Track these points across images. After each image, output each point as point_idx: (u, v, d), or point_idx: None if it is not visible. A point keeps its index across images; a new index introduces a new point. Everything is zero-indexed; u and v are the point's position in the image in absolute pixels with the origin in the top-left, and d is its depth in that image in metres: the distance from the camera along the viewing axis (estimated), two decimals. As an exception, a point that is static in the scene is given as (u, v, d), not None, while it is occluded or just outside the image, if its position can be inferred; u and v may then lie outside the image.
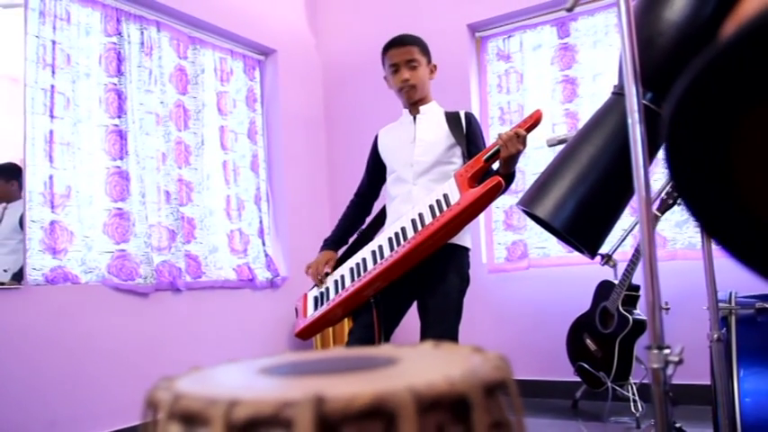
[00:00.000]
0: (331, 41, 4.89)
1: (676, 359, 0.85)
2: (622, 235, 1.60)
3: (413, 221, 2.07)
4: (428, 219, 2.03)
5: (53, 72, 3.15)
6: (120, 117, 3.42)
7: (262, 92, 4.51)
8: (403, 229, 2.08)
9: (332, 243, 2.45)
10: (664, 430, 0.84)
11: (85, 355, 3.03)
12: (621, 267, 3.13)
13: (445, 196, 2.04)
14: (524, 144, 2.00)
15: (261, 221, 4.27)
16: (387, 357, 0.62)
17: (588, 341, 3.36)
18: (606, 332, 3.22)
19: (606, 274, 3.31)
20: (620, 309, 3.17)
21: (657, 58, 1.39)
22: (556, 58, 4.00)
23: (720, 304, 1.56)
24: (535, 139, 3.91)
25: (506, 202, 4.02)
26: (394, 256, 2.01)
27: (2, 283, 2.76)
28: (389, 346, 0.70)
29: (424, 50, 2.34)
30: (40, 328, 2.87)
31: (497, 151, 2.01)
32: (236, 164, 4.19)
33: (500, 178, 1.96)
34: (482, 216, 4.13)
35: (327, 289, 2.21)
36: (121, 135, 3.42)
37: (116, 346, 3.16)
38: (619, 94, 1.41)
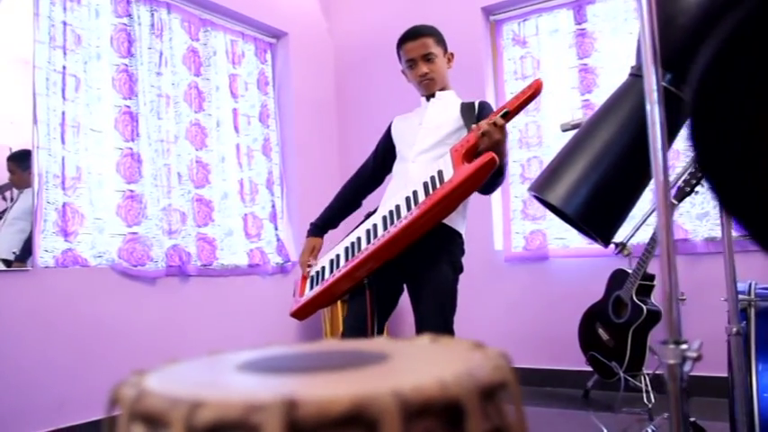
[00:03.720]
0: (343, 25, 4.82)
1: (694, 355, 0.80)
2: (637, 223, 1.54)
3: (407, 199, 2.01)
4: (422, 196, 1.97)
5: (64, 53, 3.12)
6: (131, 98, 3.39)
7: (273, 75, 4.46)
8: (397, 207, 2.03)
9: (317, 228, 2.41)
10: (679, 428, 0.79)
11: (94, 339, 3.02)
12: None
13: (439, 173, 1.98)
14: (503, 133, 1.93)
15: (273, 205, 4.24)
16: (377, 353, 0.57)
17: (601, 331, 3.30)
18: (619, 322, 3.17)
19: (620, 263, 3.24)
20: (634, 298, 3.11)
21: (677, 38, 1.32)
22: (573, 44, 3.90)
23: (740, 296, 1.50)
24: (552, 123, 3.85)
25: (525, 192, 3.97)
26: (386, 235, 1.95)
27: (8, 262, 2.75)
28: (384, 340, 0.65)
29: (440, 40, 2.28)
30: (48, 310, 2.87)
31: (505, 115, 1.93)
32: (250, 147, 4.15)
33: (494, 154, 1.88)
34: (497, 203, 4.07)
35: (323, 269, 2.17)
36: (133, 116, 3.39)
37: (124, 330, 3.16)
38: (636, 75, 1.35)
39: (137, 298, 3.25)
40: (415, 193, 2.01)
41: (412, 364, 0.54)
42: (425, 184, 1.99)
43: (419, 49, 2.23)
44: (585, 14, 3.85)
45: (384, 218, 2.06)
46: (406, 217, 1.94)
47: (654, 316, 3.10)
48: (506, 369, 0.46)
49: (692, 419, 1.82)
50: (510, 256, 4.01)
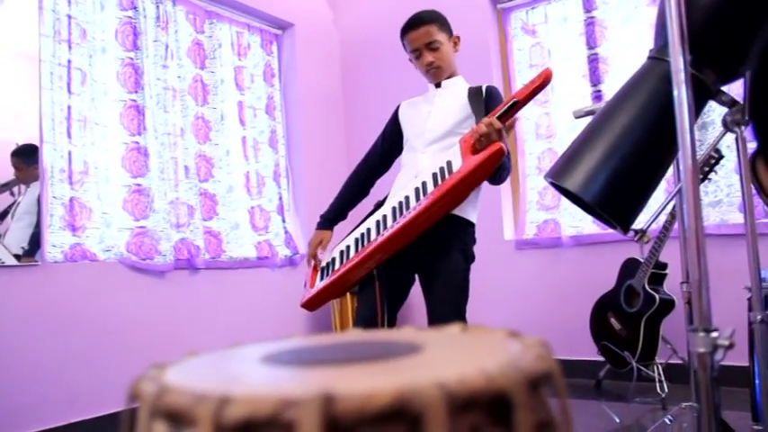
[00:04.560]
0: (349, 15, 4.78)
1: (726, 343, 0.77)
2: (657, 209, 1.52)
3: (416, 190, 2.01)
4: (431, 187, 1.96)
5: (69, 47, 3.10)
6: (137, 92, 3.37)
7: (279, 67, 4.43)
8: (406, 198, 2.02)
9: (326, 221, 2.37)
10: (711, 419, 0.77)
11: (104, 334, 3.02)
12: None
13: (449, 163, 1.97)
14: (499, 134, 1.90)
15: (281, 198, 4.22)
16: (409, 344, 0.54)
17: (612, 320, 3.28)
18: (631, 311, 3.14)
19: (631, 251, 3.21)
20: (647, 287, 3.08)
21: (698, 20, 1.29)
22: (583, 33, 3.84)
23: (763, 283, 1.47)
24: (564, 114, 3.81)
25: (540, 183, 3.94)
26: (395, 226, 1.94)
27: (18, 257, 2.74)
28: (411, 330, 0.62)
29: (443, 26, 2.22)
30: (58, 305, 2.86)
31: (513, 105, 1.91)
32: (256, 140, 4.13)
33: (501, 144, 1.87)
34: (506, 192, 4.04)
35: (333, 260, 2.16)
36: (139, 110, 3.37)
37: (134, 323, 3.15)
38: (655, 59, 1.32)
39: (146, 291, 3.24)
40: (424, 183, 2.00)
41: (449, 354, 0.51)
42: (434, 175, 1.98)
43: (422, 38, 2.18)
44: (595, 2, 3.80)
45: (393, 209, 2.04)
46: (414, 208, 1.93)
47: (667, 305, 3.07)
48: (550, 358, 0.43)
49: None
50: (521, 245, 3.98)
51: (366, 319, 2.10)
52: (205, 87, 3.80)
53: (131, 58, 3.38)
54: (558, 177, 1.34)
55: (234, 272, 3.74)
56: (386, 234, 1.95)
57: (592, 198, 1.26)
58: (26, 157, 2.82)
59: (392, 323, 2.14)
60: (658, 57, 1.30)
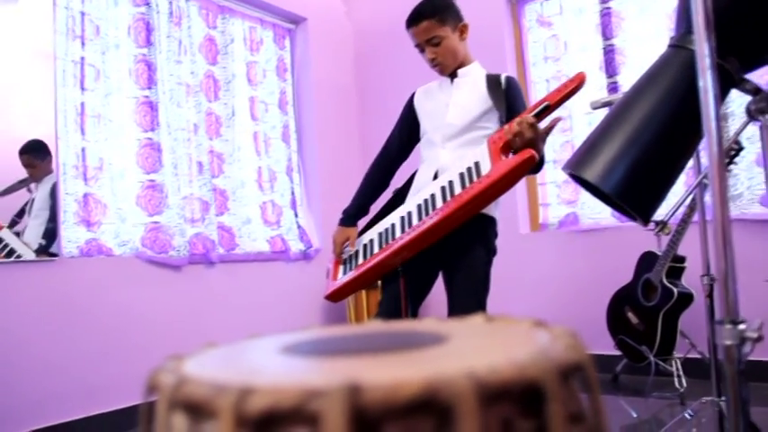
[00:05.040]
0: (362, 8, 4.76)
1: (755, 335, 0.75)
2: (678, 200, 1.49)
3: (442, 189, 1.99)
4: (458, 188, 1.94)
5: (83, 44, 3.11)
6: (150, 88, 3.38)
7: (292, 61, 4.42)
8: (432, 197, 2.01)
9: (351, 217, 2.33)
10: (738, 415, 0.75)
11: (121, 328, 3.03)
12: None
13: (476, 164, 1.95)
14: (535, 131, 1.87)
15: (293, 193, 4.22)
16: (433, 333, 0.52)
17: (630, 314, 3.24)
18: (649, 305, 3.11)
19: (649, 244, 3.18)
20: (665, 281, 3.05)
21: (722, 5, 1.26)
22: (599, 24, 3.79)
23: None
24: (580, 106, 3.77)
25: (559, 177, 3.91)
26: (421, 226, 1.94)
27: (36, 252, 2.76)
28: (434, 320, 0.61)
29: (443, 18, 2.14)
30: (75, 300, 2.88)
31: (545, 108, 1.88)
32: (267, 135, 4.13)
33: (533, 151, 1.84)
34: (521, 185, 4.01)
35: (357, 252, 2.17)
36: (152, 106, 3.38)
37: (151, 318, 3.16)
38: (676, 46, 1.29)
39: (162, 285, 3.25)
40: (450, 183, 1.98)
41: (476, 344, 0.49)
42: (462, 176, 1.96)
43: (422, 35, 2.13)
44: (610, -11, 3.76)
45: (419, 206, 2.04)
46: (441, 209, 1.93)
47: (685, 299, 3.04)
48: (581, 349, 0.42)
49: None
50: (536, 238, 3.95)
51: (389, 314, 2.10)
52: (216, 83, 3.80)
53: (144, 55, 3.38)
54: (576, 168, 1.31)
55: (249, 265, 3.75)
56: (412, 234, 1.96)
57: (611, 189, 1.24)
58: (37, 153, 2.82)
59: (415, 318, 2.14)
60: (680, 44, 1.27)
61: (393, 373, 0.35)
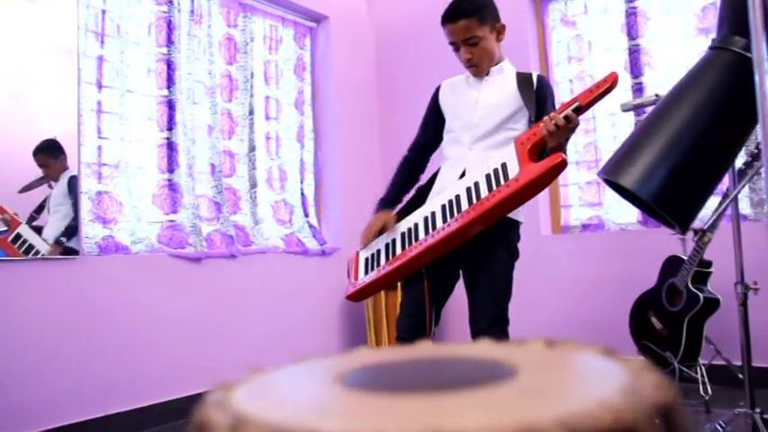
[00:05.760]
0: (383, 7, 4.73)
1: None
2: (720, 207, 1.43)
3: (468, 190, 1.95)
4: (484, 191, 1.90)
5: (102, 42, 3.11)
6: (169, 88, 3.37)
7: (312, 60, 4.40)
8: (457, 198, 1.97)
9: (388, 202, 2.26)
10: None
11: (140, 324, 3.03)
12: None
13: (503, 166, 1.90)
14: (572, 130, 1.82)
15: (303, 193, 4.19)
16: (498, 364, 0.47)
17: (654, 319, 3.18)
18: (674, 310, 3.04)
19: (674, 248, 3.11)
20: (690, 286, 2.98)
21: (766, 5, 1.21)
22: (624, 24, 3.73)
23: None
24: (604, 107, 3.71)
25: (581, 178, 3.85)
26: (446, 229, 1.91)
27: (56, 247, 2.75)
28: (489, 344, 0.57)
29: (483, 18, 2.07)
30: (95, 297, 2.88)
31: (577, 109, 1.84)
32: (280, 134, 4.10)
33: (563, 155, 1.80)
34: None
35: (378, 252, 2.12)
36: (171, 105, 3.37)
37: (170, 314, 3.16)
38: (718, 48, 1.25)
39: (181, 281, 3.24)
40: (476, 184, 1.94)
41: (552, 379, 0.45)
42: (488, 177, 1.92)
43: (460, 34, 2.06)
44: (636, -11, 3.70)
45: (443, 207, 1.99)
46: (467, 212, 1.89)
47: (711, 304, 2.97)
48: (669, 387, 0.38)
49: (759, 411, 1.72)
50: (558, 241, 3.91)
51: (412, 315, 2.08)
52: (233, 82, 3.79)
53: (165, 54, 3.38)
54: (612, 174, 1.28)
55: (267, 260, 3.73)
56: (437, 236, 1.92)
57: (649, 195, 1.20)
58: (50, 152, 2.79)
59: (437, 320, 2.11)
60: (722, 46, 1.23)
61: (477, 419, 0.31)
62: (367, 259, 2.15)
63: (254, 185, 3.86)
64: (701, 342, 3.00)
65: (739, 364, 3.13)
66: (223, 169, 3.67)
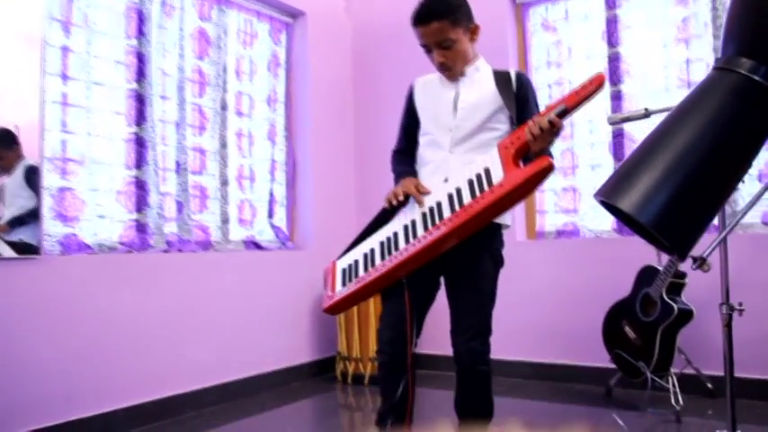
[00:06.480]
0: (362, 3, 4.64)
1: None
2: (720, 235, 1.41)
3: (449, 197, 1.87)
4: (467, 197, 1.82)
5: (67, 31, 2.97)
6: (139, 81, 3.24)
7: (288, 57, 4.29)
8: (438, 205, 1.89)
9: (407, 171, 2.13)
10: None
11: (103, 327, 2.91)
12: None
13: (486, 171, 1.83)
14: (557, 133, 1.78)
15: (271, 193, 4.09)
16: None
17: (627, 328, 3.18)
18: (647, 320, 3.05)
19: (649, 258, 3.11)
20: (665, 296, 2.99)
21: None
22: (605, 31, 3.72)
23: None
24: (582, 117, 3.70)
25: (557, 184, 3.85)
26: (428, 238, 1.84)
27: (15, 246, 2.61)
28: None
29: (457, 19, 1.98)
30: (57, 298, 2.76)
31: (563, 112, 1.76)
32: (253, 133, 4.00)
33: (550, 159, 1.75)
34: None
35: (356, 262, 2.03)
36: (140, 100, 3.25)
37: (135, 316, 3.04)
38: (723, 69, 1.21)
39: (145, 284, 3.12)
40: (458, 190, 1.86)
41: None
42: (470, 183, 1.85)
43: (431, 36, 1.97)
44: (618, -1, 3.69)
45: (424, 214, 1.91)
46: (450, 219, 1.82)
47: (685, 315, 2.99)
48: None
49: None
50: (533, 247, 3.89)
51: (393, 327, 2.00)
52: (205, 78, 3.67)
53: (135, 46, 3.25)
54: (610, 196, 1.23)
55: (235, 260, 3.64)
56: (418, 246, 1.85)
57: (648, 220, 1.16)
58: (4, 142, 2.64)
59: (419, 330, 2.06)
60: (727, 67, 1.20)
61: None
62: (344, 270, 2.06)
63: (224, 183, 3.75)
64: (674, 352, 3.02)
65: (709, 373, 3.18)
66: (192, 166, 3.56)
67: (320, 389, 3.83)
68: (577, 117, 3.80)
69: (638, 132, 3.52)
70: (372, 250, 2.01)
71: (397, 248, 1.92)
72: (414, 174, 2.12)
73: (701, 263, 1.32)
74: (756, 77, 1.14)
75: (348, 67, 4.61)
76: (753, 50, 1.17)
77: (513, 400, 3.40)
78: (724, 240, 1.76)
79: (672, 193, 1.16)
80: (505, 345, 3.59)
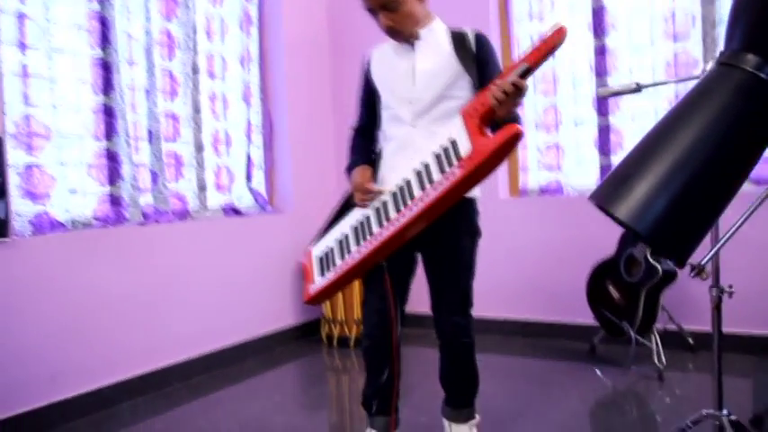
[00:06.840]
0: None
1: None
2: (720, 242, 1.36)
3: (418, 174, 1.79)
4: (435, 173, 1.74)
5: (24, -5, 2.78)
6: (103, 47, 3.07)
7: (260, 14, 4.09)
8: (408, 184, 1.81)
9: (358, 161, 2.06)
10: None
11: (83, 306, 2.85)
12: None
13: (453, 144, 1.73)
14: (522, 95, 1.67)
15: (249, 156, 3.98)
16: None
17: (611, 288, 3.20)
18: (632, 281, 3.05)
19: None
20: (649, 257, 2.98)
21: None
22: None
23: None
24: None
25: (540, 140, 3.78)
26: (400, 220, 1.78)
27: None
28: None
29: None
30: (30, 282, 2.67)
31: (525, 71, 1.65)
32: (226, 95, 3.85)
33: (518, 126, 1.64)
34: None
35: (332, 250, 1.98)
36: (106, 67, 3.08)
37: (114, 291, 2.98)
38: (727, 65, 1.14)
39: (122, 258, 3.04)
40: (426, 167, 1.77)
41: None
42: (438, 157, 1.76)
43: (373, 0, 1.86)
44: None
45: (394, 195, 1.84)
46: (420, 199, 1.75)
47: (669, 276, 2.99)
48: None
49: (732, 418, 1.72)
50: (516, 204, 3.86)
51: (379, 312, 1.97)
52: (173, 40, 3.48)
53: (97, 10, 3.05)
54: (607, 202, 1.17)
55: (214, 227, 3.57)
56: (391, 229, 1.80)
57: (647, 229, 1.11)
58: None
59: (403, 312, 2.05)
60: (732, 63, 1.12)
61: None
62: (321, 259, 2.01)
63: (200, 149, 3.63)
64: (657, 312, 3.03)
65: (690, 329, 3.23)
66: (165, 134, 3.42)
67: (306, 352, 3.83)
68: (561, 72, 3.71)
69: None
70: (346, 236, 1.95)
71: (371, 233, 1.86)
72: (366, 161, 2.05)
73: (698, 271, 1.28)
74: (762, 75, 1.08)
75: (324, 22, 4.43)
76: (759, 46, 1.09)
77: (496, 357, 3.43)
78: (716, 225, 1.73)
79: (671, 200, 1.10)
80: (489, 302, 3.61)
